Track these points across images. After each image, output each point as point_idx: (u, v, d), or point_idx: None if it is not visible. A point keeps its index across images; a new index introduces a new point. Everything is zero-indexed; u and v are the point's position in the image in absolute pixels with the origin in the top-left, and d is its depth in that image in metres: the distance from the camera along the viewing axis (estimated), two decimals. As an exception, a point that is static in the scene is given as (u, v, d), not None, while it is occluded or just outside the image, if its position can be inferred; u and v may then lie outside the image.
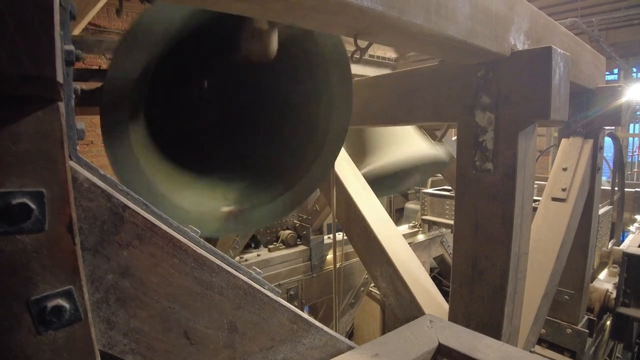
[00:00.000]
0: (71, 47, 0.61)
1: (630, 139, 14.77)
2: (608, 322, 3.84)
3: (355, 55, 1.25)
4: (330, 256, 4.69)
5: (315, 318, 4.78)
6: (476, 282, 1.75)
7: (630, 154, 14.81)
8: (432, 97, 1.85)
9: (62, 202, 0.58)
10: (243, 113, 1.94)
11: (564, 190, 2.60)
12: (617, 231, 5.74)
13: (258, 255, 4.30)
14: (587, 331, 3.05)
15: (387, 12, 1.02)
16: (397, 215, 8.31)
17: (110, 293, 0.68)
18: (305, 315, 1.02)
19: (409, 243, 5.65)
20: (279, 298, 0.94)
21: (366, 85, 2.12)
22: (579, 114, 2.76)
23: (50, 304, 0.59)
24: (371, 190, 2.40)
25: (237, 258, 4.21)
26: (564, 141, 2.83)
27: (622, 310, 3.38)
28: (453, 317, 1.87)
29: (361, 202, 2.28)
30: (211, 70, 1.89)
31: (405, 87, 1.97)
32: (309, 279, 4.59)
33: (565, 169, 2.68)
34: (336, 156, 1.90)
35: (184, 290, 0.76)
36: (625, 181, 6.35)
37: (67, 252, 0.60)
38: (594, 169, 2.77)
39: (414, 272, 2.16)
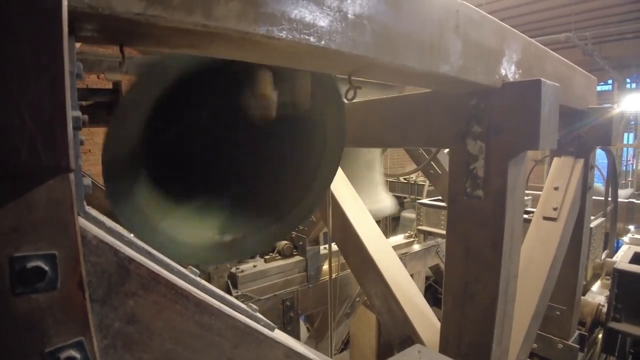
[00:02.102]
0: (78, 114, 0.66)
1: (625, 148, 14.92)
2: (600, 335, 3.89)
3: (349, 92, 1.30)
4: (326, 266, 4.72)
5: (311, 327, 4.79)
6: (467, 305, 1.80)
7: (625, 163, 14.95)
8: (425, 123, 1.90)
9: (73, 261, 0.63)
10: (235, 148, 1.96)
11: (555, 209, 2.65)
12: (611, 242, 5.80)
13: (254, 266, 4.32)
14: (578, 346, 3.10)
15: (380, 58, 1.07)
16: (393, 223, 8.35)
17: (117, 339, 0.72)
18: (300, 347, 1.06)
19: (405, 253, 5.71)
20: (274, 333, 0.98)
21: (361, 108, 2.17)
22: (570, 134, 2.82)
23: (63, 355, 0.63)
24: (367, 210, 2.45)
25: (234, 269, 4.23)
26: (555, 160, 2.89)
27: (613, 325, 3.43)
28: (445, 337, 1.92)
29: (357, 222, 2.33)
30: (204, 108, 1.89)
31: (399, 112, 2.02)
32: (305, 290, 4.61)
33: (556, 189, 2.74)
34: (328, 186, 1.94)
35: (185, 333, 0.80)
36: (619, 190, 6.41)
37: (78, 306, 0.64)
38: (585, 188, 2.83)
39: (408, 291, 2.21)
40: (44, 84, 0.49)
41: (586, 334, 3.46)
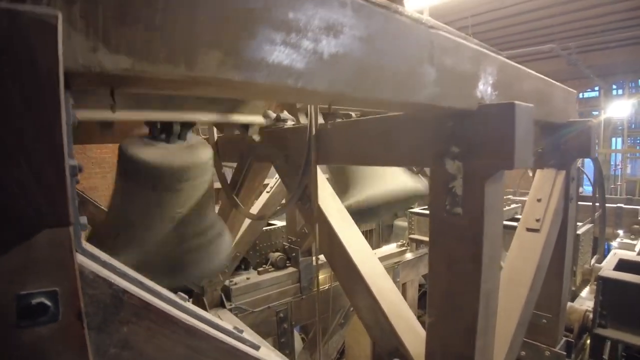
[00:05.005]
0: (74, 163, 0.73)
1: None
2: (588, 341, 3.96)
3: (329, 117, 1.38)
4: (319, 277, 4.76)
5: (306, 338, 4.82)
6: (450, 318, 1.87)
7: (614, 168, 15.12)
8: (407, 142, 1.97)
9: (72, 296, 0.70)
10: None
11: (537, 220, 2.74)
12: (600, 247, 5.89)
13: (247, 278, 4.37)
14: (565, 353, 3.17)
15: (355, 93, 1.15)
16: (386, 232, 8.42)
17: (113, 364, 0.79)
18: (284, 365, 1.13)
19: (398, 262, 5.75)
20: (259, 353, 1.05)
21: (347, 127, 2.25)
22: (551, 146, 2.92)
23: (63, 382, 0.70)
24: (354, 224, 2.52)
25: (227, 282, 4.27)
26: (538, 172, 2.98)
27: (599, 331, 3.51)
28: (430, 350, 1.98)
29: (344, 236, 2.39)
30: None
31: (382, 131, 2.09)
32: (298, 301, 4.66)
33: (539, 200, 2.83)
34: None
35: (175, 356, 0.87)
36: (609, 195, 6.52)
37: (77, 335, 0.71)
38: (567, 199, 2.91)
39: (395, 304, 2.28)
40: (45, 150, 0.56)
41: (573, 340, 3.53)
